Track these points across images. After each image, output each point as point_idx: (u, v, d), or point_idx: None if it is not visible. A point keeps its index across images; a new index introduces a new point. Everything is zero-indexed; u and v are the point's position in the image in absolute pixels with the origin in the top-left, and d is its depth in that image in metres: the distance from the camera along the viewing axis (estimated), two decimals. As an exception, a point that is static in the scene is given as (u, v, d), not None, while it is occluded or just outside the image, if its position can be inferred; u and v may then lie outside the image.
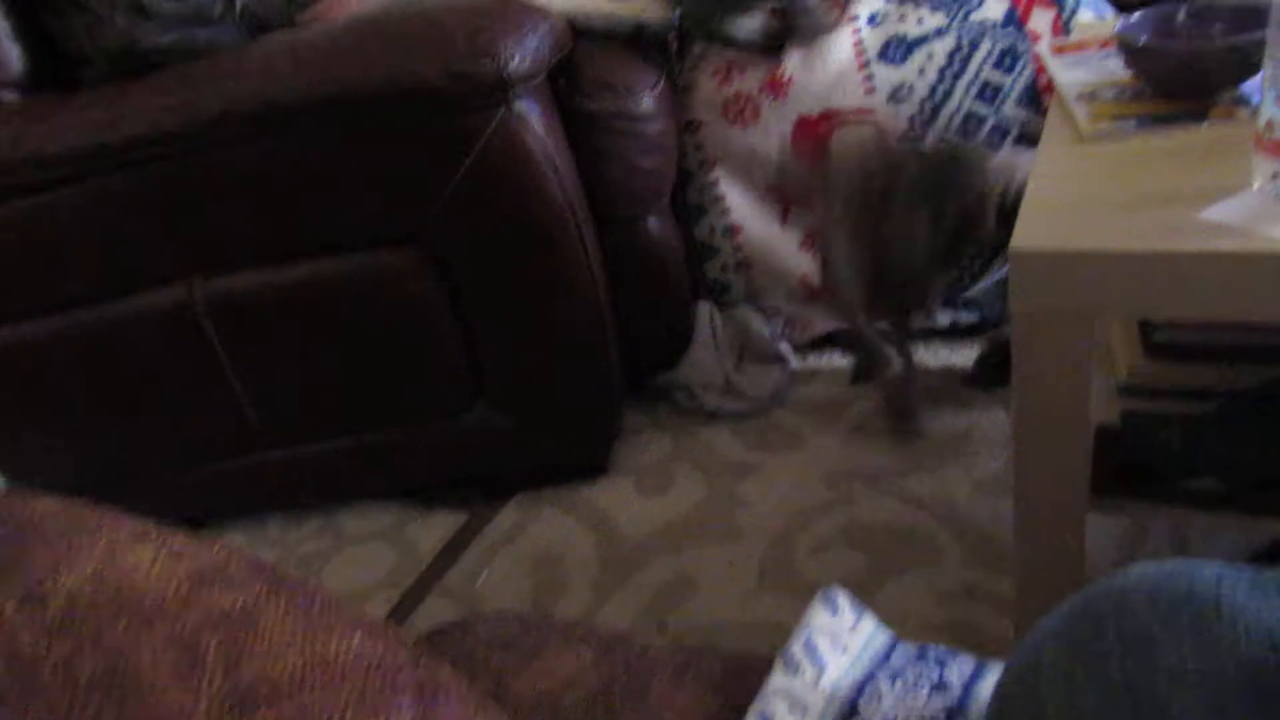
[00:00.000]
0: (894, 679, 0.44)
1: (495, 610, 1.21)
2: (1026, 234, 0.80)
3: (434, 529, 1.41)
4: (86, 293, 1.29)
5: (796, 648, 0.46)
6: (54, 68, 1.28)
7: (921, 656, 0.46)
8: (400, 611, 1.27)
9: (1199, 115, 0.92)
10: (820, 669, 0.45)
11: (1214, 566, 0.36)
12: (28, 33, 1.26)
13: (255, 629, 0.41)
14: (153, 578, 0.42)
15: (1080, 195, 0.85)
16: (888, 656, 0.46)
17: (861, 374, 1.47)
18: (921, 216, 1.25)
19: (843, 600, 0.49)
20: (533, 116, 1.18)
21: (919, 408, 1.38)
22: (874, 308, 1.36)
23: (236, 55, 1.22)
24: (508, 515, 1.40)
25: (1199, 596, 0.34)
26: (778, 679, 0.45)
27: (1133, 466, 0.95)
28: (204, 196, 1.22)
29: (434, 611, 1.25)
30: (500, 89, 1.13)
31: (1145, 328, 0.99)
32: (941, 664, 0.45)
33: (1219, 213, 0.77)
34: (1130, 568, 0.38)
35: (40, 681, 0.37)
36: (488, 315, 1.29)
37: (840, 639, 0.46)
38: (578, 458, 1.45)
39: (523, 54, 1.15)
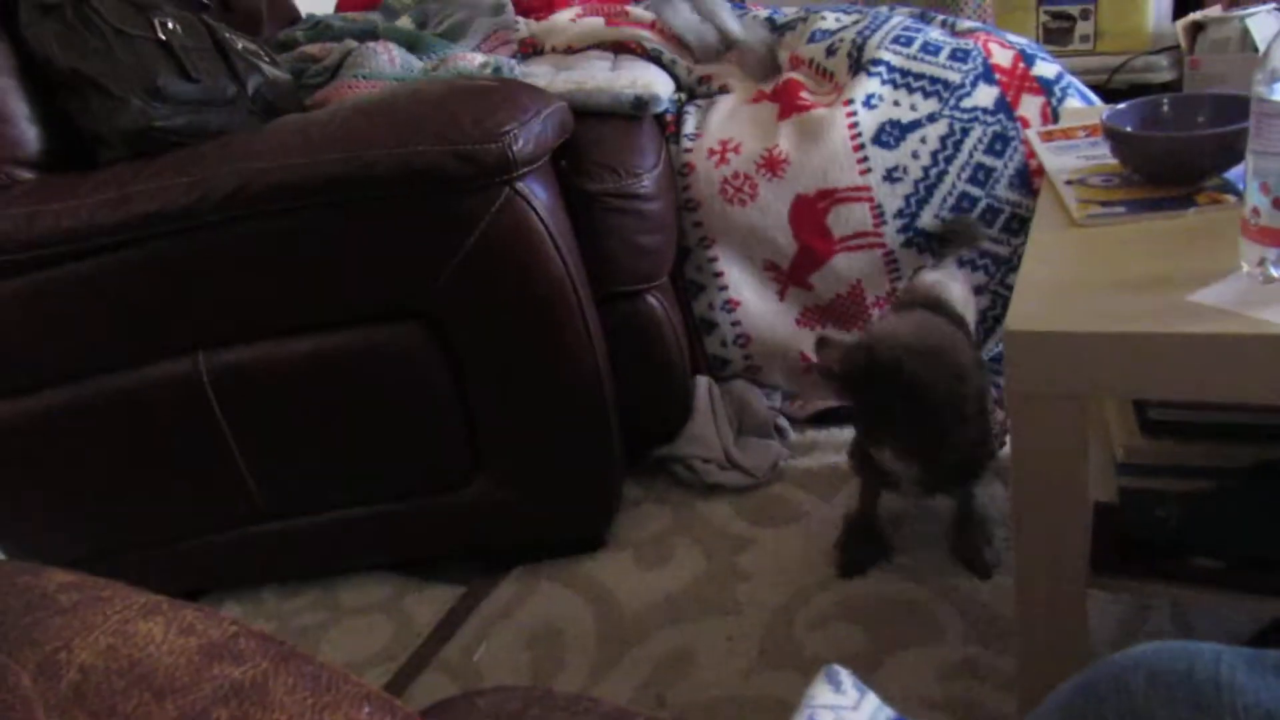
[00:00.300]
0: (898, 757, 0.44)
1: (497, 684, 1.20)
2: (1020, 315, 0.82)
3: (432, 602, 1.40)
4: (93, 365, 1.30)
5: (800, 725, 0.46)
6: (70, 147, 1.31)
7: (925, 735, 0.46)
8: (397, 685, 1.26)
9: (1186, 201, 0.95)
10: (824, 747, 0.45)
11: (1213, 647, 0.37)
12: (46, 113, 1.30)
13: (265, 703, 0.41)
14: (164, 651, 0.43)
15: (1073, 277, 0.87)
16: (891, 735, 0.46)
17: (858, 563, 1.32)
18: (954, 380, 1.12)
19: (846, 678, 0.49)
20: (536, 196, 1.21)
21: (986, 540, 1.27)
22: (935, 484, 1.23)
23: (248, 136, 1.26)
24: (506, 588, 1.40)
25: (1198, 676, 0.35)
26: (782, 757, 0.45)
27: (1132, 544, 0.95)
28: (213, 271, 1.24)
29: (431, 685, 1.24)
30: (505, 171, 1.16)
31: (1140, 406, 1.01)
32: (945, 743, 0.45)
33: (1209, 296, 0.79)
34: (1131, 648, 0.38)
35: (53, 755, 0.38)
36: (489, 389, 1.30)
37: (843, 716, 0.46)
38: (577, 531, 1.45)
39: (527, 137, 1.18)
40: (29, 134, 1.28)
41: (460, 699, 0.54)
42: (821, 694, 0.47)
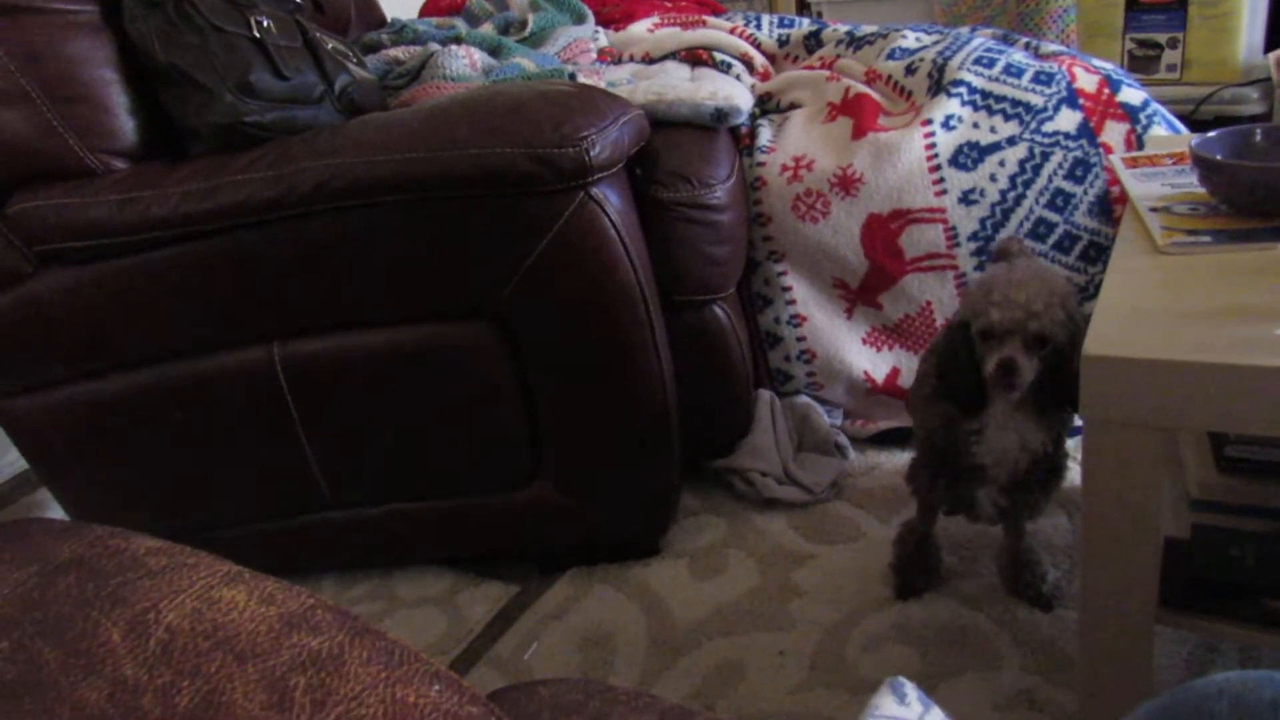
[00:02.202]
0: (962, 773, 0.43)
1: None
2: (1100, 340, 0.80)
3: (486, 599, 1.42)
4: (172, 350, 1.34)
5: (863, 734, 0.46)
6: (163, 139, 1.35)
7: (989, 753, 0.46)
8: (447, 681, 1.27)
9: (1276, 233, 0.92)
10: (886, 758, 0.45)
11: (1298, 677, 0.36)
12: (142, 106, 1.34)
13: (341, 673, 0.42)
14: (246, 618, 0.44)
15: (1154, 305, 0.86)
16: (955, 750, 0.46)
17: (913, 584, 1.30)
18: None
19: (910, 690, 0.49)
20: (610, 202, 1.22)
21: (1042, 572, 1.24)
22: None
23: (332, 132, 1.29)
24: (560, 590, 1.41)
25: (1283, 705, 0.34)
26: (843, 765, 0.45)
27: (1203, 582, 0.93)
28: (292, 263, 1.27)
29: (482, 680, 1.25)
30: (581, 176, 1.18)
31: (1217, 442, 0.98)
32: (1009, 762, 0.45)
33: (1296, 329, 0.77)
34: (1213, 675, 0.37)
35: (141, 708, 0.39)
36: (553, 392, 1.32)
37: (907, 728, 0.46)
38: (633, 537, 1.45)
39: (604, 143, 1.19)
40: (126, 125, 1.32)
41: (522, 687, 0.55)
42: (885, 705, 0.47)
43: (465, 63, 1.66)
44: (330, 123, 1.36)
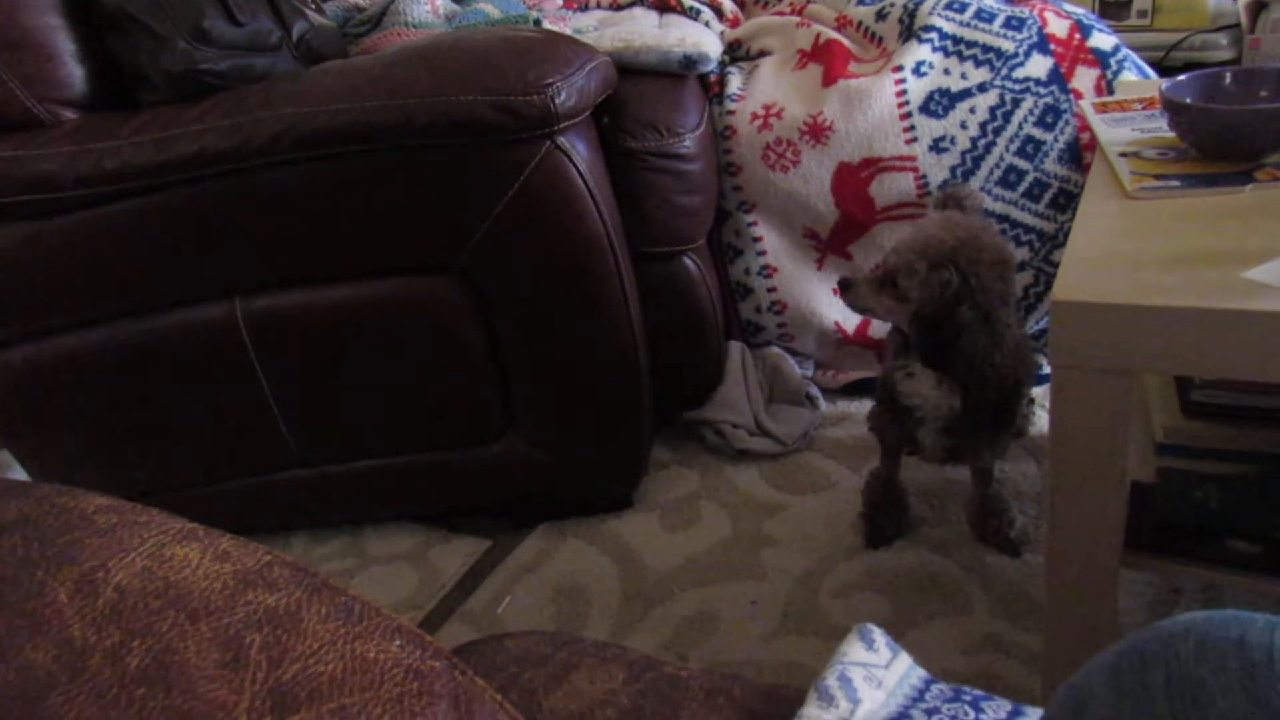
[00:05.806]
0: (929, 717, 0.43)
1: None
2: (1068, 286, 0.80)
3: (458, 554, 1.41)
4: (131, 306, 1.31)
5: (831, 680, 0.46)
6: (114, 88, 1.31)
7: (956, 697, 0.46)
8: (420, 635, 1.27)
9: (1244, 177, 0.92)
10: (854, 703, 0.45)
11: (1266, 616, 0.36)
12: (91, 53, 1.30)
13: (298, 630, 0.41)
14: (199, 575, 0.43)
15: (1123, 251, 0.85)
16: (922, 695, 0.46)
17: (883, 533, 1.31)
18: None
19: (879, 636, 0.48)
20: (577, 151, 1.20)
21: (1010, 518, 1.25)
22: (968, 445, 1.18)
23: (290, 81, 1.25)
24: (532, 544, 1.40)
25: (1250, 645, 0.34)
26: (811, 710, 0.45)
27: (1168, 525, 0.94)
28: (252, 216, 1.24)
29: (455, 635, 1.25)
30: (546, 124, 1.15)
31: (1183, 387, 0.99)
32: (976, 705, 0.45)
33: (1264, 273, 0.77)
34: (1178, 615, 0.37)
35: (89, 669, 0.38)
36: (522, 345, 1.30)
37: (875, 674, 0.46)
38: (605, 490, 1.45)
39: (569, 91, 1.17)
40: (75, 73, 1.27)
41: (489, 640, 0.54)
42: (854, 651, 0.47)
43: (427, 8, 1.61)
44: (288, 71, 1.32)
